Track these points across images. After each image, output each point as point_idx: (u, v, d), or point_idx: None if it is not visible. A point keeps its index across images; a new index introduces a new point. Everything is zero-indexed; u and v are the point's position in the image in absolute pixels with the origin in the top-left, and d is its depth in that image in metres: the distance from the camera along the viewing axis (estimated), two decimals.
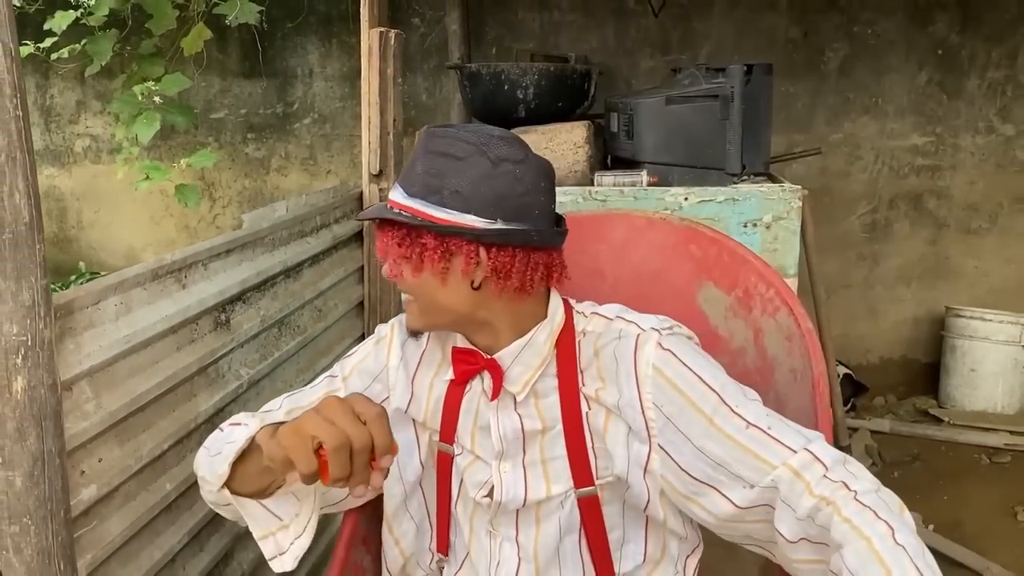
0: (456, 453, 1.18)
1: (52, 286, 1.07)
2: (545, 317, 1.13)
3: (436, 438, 1.20)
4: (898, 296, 3.81)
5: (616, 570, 1.15)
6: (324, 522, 1.30)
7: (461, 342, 1.15)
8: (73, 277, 3.79)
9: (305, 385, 1.26)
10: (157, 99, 2.91)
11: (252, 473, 1.03)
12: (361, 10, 2.12)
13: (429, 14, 3.67)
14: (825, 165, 3.67)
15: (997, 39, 3.58)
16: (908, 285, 3.80)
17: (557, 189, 1.14)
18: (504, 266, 1.06)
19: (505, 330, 1.11)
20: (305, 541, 1.08)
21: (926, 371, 3.80)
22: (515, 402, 1.13)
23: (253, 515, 1.08)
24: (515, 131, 2.44)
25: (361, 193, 2.19)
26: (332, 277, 2.03)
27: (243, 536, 1.59)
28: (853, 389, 3.62)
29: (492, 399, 1.13)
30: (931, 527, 2.70)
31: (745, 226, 2.16)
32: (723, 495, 1.03)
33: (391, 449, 0.93)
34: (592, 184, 2.29)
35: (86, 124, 3.94)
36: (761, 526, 1.03)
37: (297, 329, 1.85)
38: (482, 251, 1.05)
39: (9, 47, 0.96)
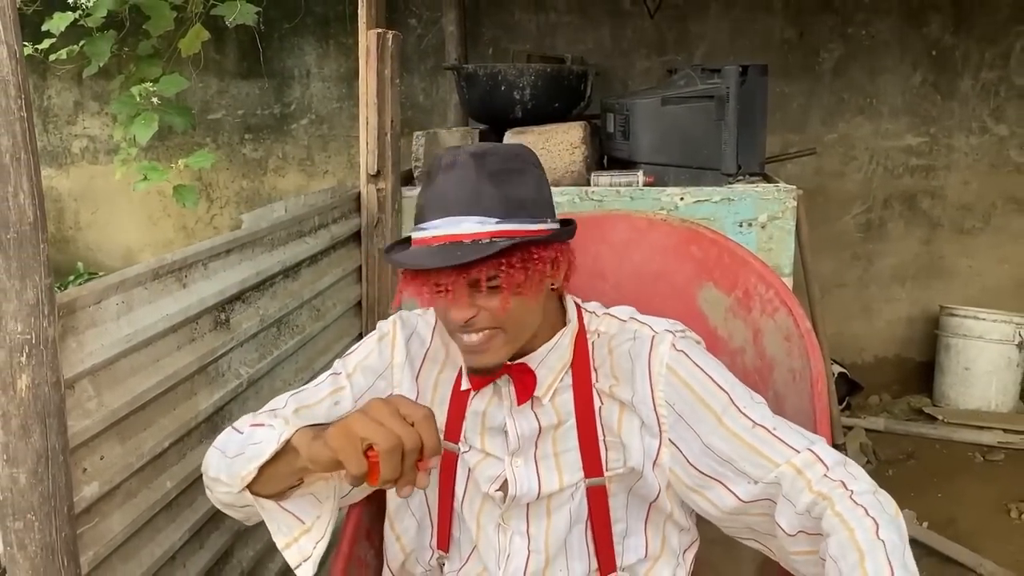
0: (463, 451, 1.20)
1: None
2: (564, 314, 1.18)
3: (440, 436, 1.20)
4: (892, 295, 3.83)
5: (618, 562, 1.17)
6: None
7: None
8: (71, 277, 3.78)
9: (305, 384, 1.26)
10: (155, 100, 2.91)
11: (281, 474, 1.01)
12: (358, 11, 2.12)
13: (426, 15, 3.68)
14: (820, 165, 3.69)
15: (990, 40, 3.60)
16: (902, 284, 3.82)
17: (554, 189, 1.19)
18: (569, 264, 1.13)
19: (540, 332, 1.14)
20: (325, 544, 1.07)
21: (920, 370, 3.82)
22: (532, 402, 1.15)
23: (275, 519, 1.05)
24: (512, 132, 2.46)
25: (359, 194, 2.20)
26: (330, 277, 2.04)
27: (243, 534, 1.60)
28: (848, 388, 3.64)
29: (519, 404, 1.14)
30: (925, 524, 2.72)
31: (740, 226, 2.17)
32: (728, 489, 1.08)
33: (439, 450, 0.95)
34: (588, 184, 2.31)
35: (84, 125, 3.94)
36: (762, 519, 1.07)
37: (296, 328, 1.86)
38: (560, 252, 1.11)
39: (13, 48, 0.97)
